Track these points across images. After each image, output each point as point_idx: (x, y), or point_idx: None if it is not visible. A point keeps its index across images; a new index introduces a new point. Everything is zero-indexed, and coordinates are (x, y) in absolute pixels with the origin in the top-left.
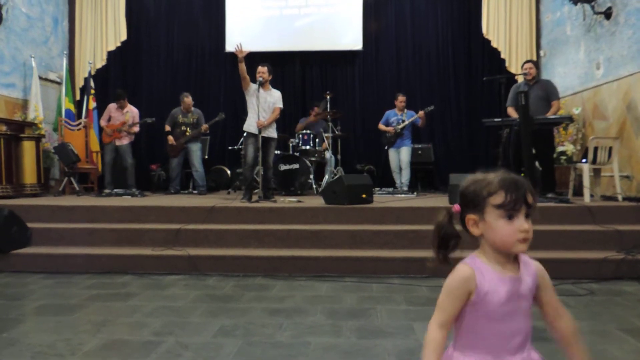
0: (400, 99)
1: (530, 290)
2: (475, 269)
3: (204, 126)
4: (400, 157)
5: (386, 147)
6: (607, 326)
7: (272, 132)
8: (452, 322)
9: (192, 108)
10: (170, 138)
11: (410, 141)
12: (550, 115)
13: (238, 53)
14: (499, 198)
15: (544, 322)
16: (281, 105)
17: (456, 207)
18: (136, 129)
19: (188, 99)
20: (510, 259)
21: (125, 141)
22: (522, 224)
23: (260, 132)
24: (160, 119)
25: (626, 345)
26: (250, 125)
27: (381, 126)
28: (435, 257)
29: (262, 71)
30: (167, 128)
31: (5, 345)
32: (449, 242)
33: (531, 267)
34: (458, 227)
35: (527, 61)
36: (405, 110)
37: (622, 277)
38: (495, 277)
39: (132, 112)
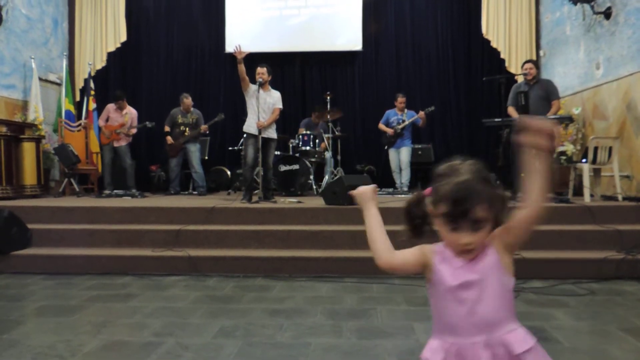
0: (400, 99)
1: (493, 269)
2: (437, 252)
3: (203, 126)
4: (400, 157)
5: (386, 147)
6: (607, 326)
7: (272, 133)
8: (399, 260)
9: (192, 109)
10: (169, 138)
11: (410, 141)
12: (550, 115)
13: (237, 54)
14: (442, 207)
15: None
16: (281, 106)
17: (427, 191)
18: (134, 131)
19: (188, 100)
20: None
21: (123, 142)
22: (460, 238)
23: (260, 132)
24: (160, 120)
25: (626, 345)
26: (250, 126)
27: (381, 126)
28: (407, 231)
29: (262, 72)
30: (167, 128)
31: (5, 346)
32: (415, 222)
33: (489, 248)
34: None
35: (527, 61)
36: (406, 110)
37: (623, 276)
38: (452, 262)
39: (131, 113)
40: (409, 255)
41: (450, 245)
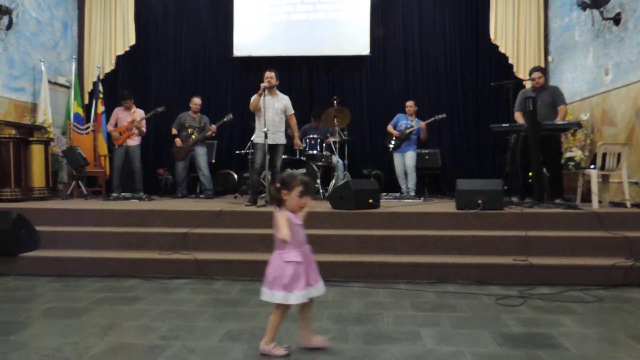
0: (408, 104)
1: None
2: (286, 212)
3: (213, 127)
4: (405, 162)
5: (390, 150)
6: (615, 333)
7: (281, 138)
8: (287, 231)
9: (199, 113)
10: (178, 140)
11: (415, 146)
12: (557, 120)
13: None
14: (299, 188)
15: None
16: (292, 111)
17: (278, 185)
18: (144, 128)
19: (196, 99)
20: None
21: (135, 141)
22: (306, 201)
23: (266, 137)
24: (168, 124)
25: (635, 352)
26: (258, 136)
27: (389, 128)
28: (275, 204)
29: (270, 76)
30: (174, 131)
31: (13, 348)
32: (278, 201)
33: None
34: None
35: (536, 69)
36: (416, 118)
37: (631, 284)
38: (294, 216)
39: (139, 113)
40: (287, 228)
41: (295, 206)
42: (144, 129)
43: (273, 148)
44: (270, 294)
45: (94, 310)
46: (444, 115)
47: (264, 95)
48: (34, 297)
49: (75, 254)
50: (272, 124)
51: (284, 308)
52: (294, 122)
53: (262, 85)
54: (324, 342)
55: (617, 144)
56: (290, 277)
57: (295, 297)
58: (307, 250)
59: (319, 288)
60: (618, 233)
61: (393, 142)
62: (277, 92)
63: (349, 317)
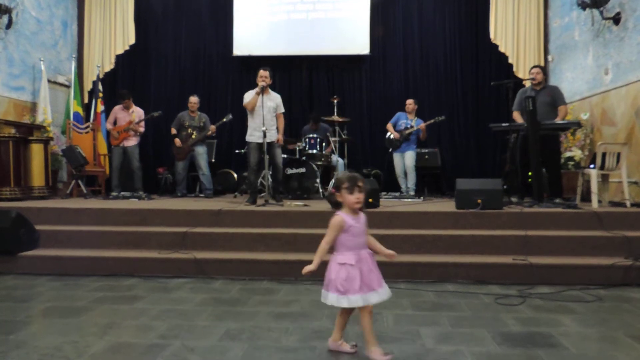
0: (408, 102)
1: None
2: (342, 214)
3: (212, 127)
4: (405, 161)
5: (390, 150)
6: (615, 333)
7: (273, 136)
8: (327, 245)
9: (198, 112)
10: (177, 140)
11: (415, 146)
12: (558, 120)
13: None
14: (345, 184)
15: None
16: (283, 110)
17: (332, 190)
18: (142, 129)
19: (193, 98)
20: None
21: (133, 142)
22: (355, 196)
23: (265, 136)
24: (168, 123)
25: (634, 352)
26: (251, 135)
27: (389, 126)
28: (332, 207)
29: (265, 75)
30: (173, 131)
31: (12, 347)
32: (334, 204)
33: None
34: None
35: (535, 66)
36: (416, 117)
37: (630, 283)
38: (349, 217)
39: (137, 112)
40: (332, 234)
41: (349, 204)
42: (142, 129)
43: (269, 147)
44: (325, 296)
45: (94, 310)
46: (443, 118)
47: (262, 95)
48: (33, 296)
49: (74, 253)
50: (265, 123)
51: (345, 310)
52: (281, 120)
53: (260, 84)
54: (381, 355)
55: (617, 144)
56: (342, 280)
57: (348, 301)
58: (366, 254)
59: (379, 294)
60: (617, 232)
61: (392, 140)
62: (270, 90)
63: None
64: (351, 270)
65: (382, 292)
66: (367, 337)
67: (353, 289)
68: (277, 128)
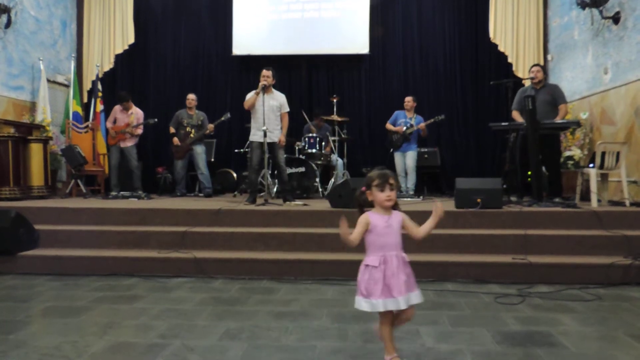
0: (407, 99)
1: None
2: (370, 214)
3: (210, 126)
4: (406, 161)
5: (391, 150)
6: (614, 332)
7: (278, 136)
8: (356, 238)
9: (196, 110)
10: (176, 139)
11: (416, 145)
12: (558, 119)
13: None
14: (376, 181)
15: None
16: (288, 109)
17: (363, 188)
18: (140, 130)
19: (191, 95)
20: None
21: (129, 143)
22: (385, 193)
23: (265, 135)
24: (167, 122)
25: (634, 351)
26: (254, 134)
27: (389, 126)
28: (357, 211)
29: (267, 75)
30: (172, 130)
31: (12, 347)
32: (361, 205)
33: (398, 215)
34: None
35: (535, 65)
36: (415, 114)
37: (630, 282)
38: (378, 216)
39: (136, 113)
40: (358, 229)
41: (379, 202)
42: (140, 131)
43: (272, 146)
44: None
45: (93, 309)
46: (443, 117)
47: (262, 94)
48: (33, 296)
49: (74, 253)
50: (268, 122)
51: (380, 316)
52: (286, 120)
53: (261, 84)
54: None
55: (616, 143)
56: (365, 282)
57: (370, 305)
58: (392, 257)
59: (397, 301)
60: (617, 232)
61: (393, 140)
62: (273, 90)
63: (348, 316)
64: (374, 273)
65: (409, 298)
66: (385, 345)
67: (376, 292)
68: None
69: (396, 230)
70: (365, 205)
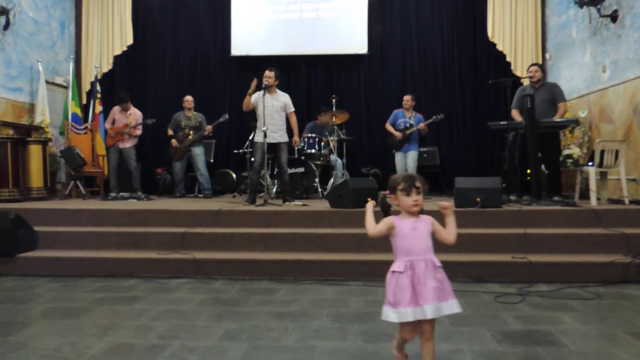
0: (405, 98)
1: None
2: (395, 218)
3: (208, 127)
4: (407, 162)
5: (393, 151)
6: (614, 330)
7: (283, 137)
8: (377, 230)
9: (194, 112)
10: (174, 141)
11: (417, 146)
12: (557, 118)
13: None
14: (401, 185)
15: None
16: (293, 109)
17: (387, 192)
18: (138, 131)
19: (188, 97)
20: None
21: (128, 144)
22: (411, 198)
23: (265, 136)
24: (166, 123)
25: (634, 349)
26: (257, 135)
27: (388, 126)
28: (382, 213)
29: (269, 75)
30: (170, 132)
31: (12, 348)
32: (385, 208)
33: (426, 219)
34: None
35: (533, 64)
36: (414, 112)
37: (629, 280)
38: (404, 220)
39: (135, 114)
40: (380, 225)
41: (405, 207)
42: (139, 132)
43: (275, 147)
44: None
45: (93, 310)
46: (442, 116)
47: (263, 94)
48: (32, 297)
49: (73, 254)
50: (271, 123)
51: (400, 327)
52: (293, 120)
53: (252, 86)
54: None
55: (615, 141)
56: (392, 290)
57: (397, 315)
58: (420, 262)
59: (431, 310)
60: (616, 230)
61: (393, 141)
62: (277, 90)
63: (348, 316)
64: (400, 279)
65: (429, 310)
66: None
67: (404, 300)
68: (292, 129)
69: (423, 234)
70: (389, 210)
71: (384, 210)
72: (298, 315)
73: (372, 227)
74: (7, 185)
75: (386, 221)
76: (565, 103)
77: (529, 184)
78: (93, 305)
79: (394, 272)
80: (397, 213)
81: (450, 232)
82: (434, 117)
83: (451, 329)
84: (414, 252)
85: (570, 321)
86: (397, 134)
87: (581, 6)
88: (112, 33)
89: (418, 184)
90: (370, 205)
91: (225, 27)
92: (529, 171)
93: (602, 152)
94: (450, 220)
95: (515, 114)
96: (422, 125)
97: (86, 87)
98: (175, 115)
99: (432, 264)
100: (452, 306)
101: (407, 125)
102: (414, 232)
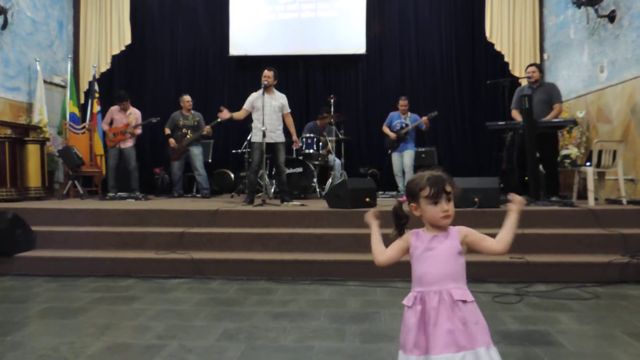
0: (402, 102)
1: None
2: (412, 232)
3: (207, 128)
4: (403, 161)
5: (389, 151)
6: (612, 330)
7: (280, 137)
8: (386, 257)
9: (192, 111)
10: (172, 141)
11: (413, 145)
12: (550, 118)
13: (221, 116)
14: (425, 191)
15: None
16: (289, 110)
17: (404, 198)
18: (139, 131)
19: (185, 97)
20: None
21: (129, 144)
22: (441, 208)
23: (264, 136)
24: (164, 122)
25: (631, 349)
26: (255, 135)
27: (385, 129)
28: (394, 231)
29: (268, 75)
30: (167, 131)
31: (9, 348)
32: (400, 221)
33: (454, 234)
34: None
35: (531, 65)
36: (409, 113)
37: (627, 280)
38: (422, 237)
39: (135, 114)
40: (391, 251)
41: (432, 219)
42: (139, 131)
43: (272, 147)
44: None
45: (91, 310)
46: (436, 113)
47: (262, 94)
48: (30, 297)
49: (71, 254)
50: (269, 123)
51: None
52: (289, 120)
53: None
54: None
55: (613, 141)
56: (402, 330)
57: None
58: (432, 294)
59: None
60: (614, 230)
61: (389, 142)
62: (275, 90)
63: (346, 316)
64: (407, 316)
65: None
66: None
67: (408, 344)
68: (288, 129)
69: (441, 255)
70: (404, 223)
71: (398, 224)
72: (296, 316)
73: (380, 253)
74: (4, 185)
75: (399, 245)
76: (561, 104)
77: (527, 184)
78: (91, 305)
79: (405, 307)
80: (418, 225)
81: (502, 238)
82: (428, 114)
83: None
84: (426, 282)
85: (568, 321)
86: (392, 135)
87: (579, 6)
88: (110, 33)
89: (448, 187)
90: (374, 224)
91: (224, 27)
92: (527, 171)
93: (600, 152)
94: (512, 220)
95: (516, 114)
96: (424, 118)
97: (84, 86)
98: (172, 115)
99: (450, 298)
100: (482, 356)
101: (403, 125)
102: (429, 254)
